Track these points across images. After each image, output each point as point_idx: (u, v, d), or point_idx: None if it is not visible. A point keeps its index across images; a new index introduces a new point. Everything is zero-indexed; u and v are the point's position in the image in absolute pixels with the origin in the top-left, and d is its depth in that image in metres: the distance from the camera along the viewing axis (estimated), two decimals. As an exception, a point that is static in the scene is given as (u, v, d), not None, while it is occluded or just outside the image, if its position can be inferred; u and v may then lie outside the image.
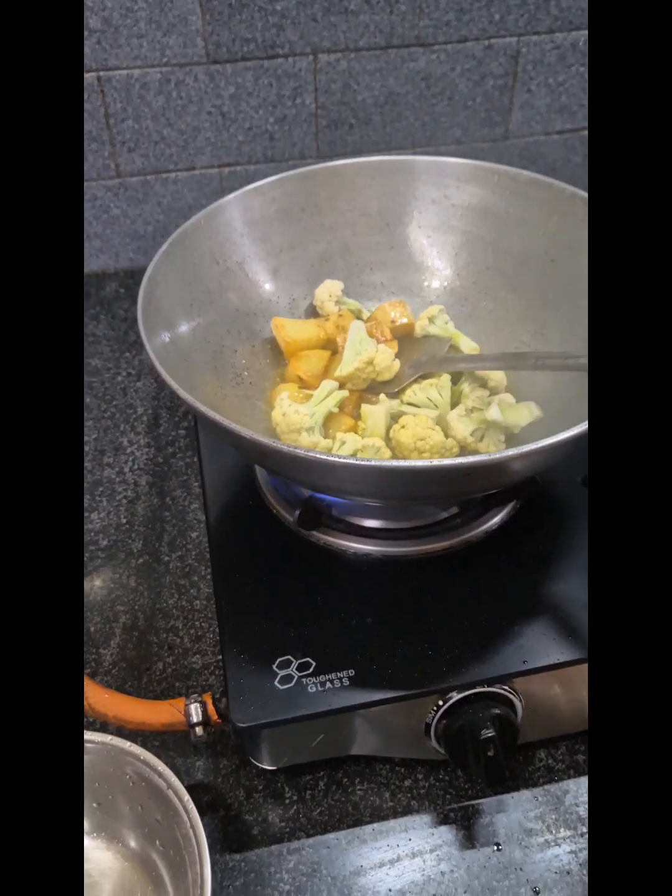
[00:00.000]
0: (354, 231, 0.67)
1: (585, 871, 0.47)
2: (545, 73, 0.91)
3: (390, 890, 0.47)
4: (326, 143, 0.91)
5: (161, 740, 0.53)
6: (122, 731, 0.49)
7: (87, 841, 0.47)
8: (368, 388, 0.59)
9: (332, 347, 0.62)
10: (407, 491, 0.47)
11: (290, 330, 0.61)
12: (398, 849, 0.49)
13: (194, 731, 0.47)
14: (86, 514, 0.68)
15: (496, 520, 0.55)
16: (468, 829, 0.49)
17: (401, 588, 0.52)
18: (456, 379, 0.59)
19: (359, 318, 0.64)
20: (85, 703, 0.47)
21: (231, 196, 0.62)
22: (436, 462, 0.40)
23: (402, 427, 0.53)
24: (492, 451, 0.54)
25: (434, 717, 0.48)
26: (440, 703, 0.47)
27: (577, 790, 0.51)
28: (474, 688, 0.47)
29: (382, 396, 0.57)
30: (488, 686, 0.47)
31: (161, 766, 0.43)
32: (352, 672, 0.47)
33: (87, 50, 0.80)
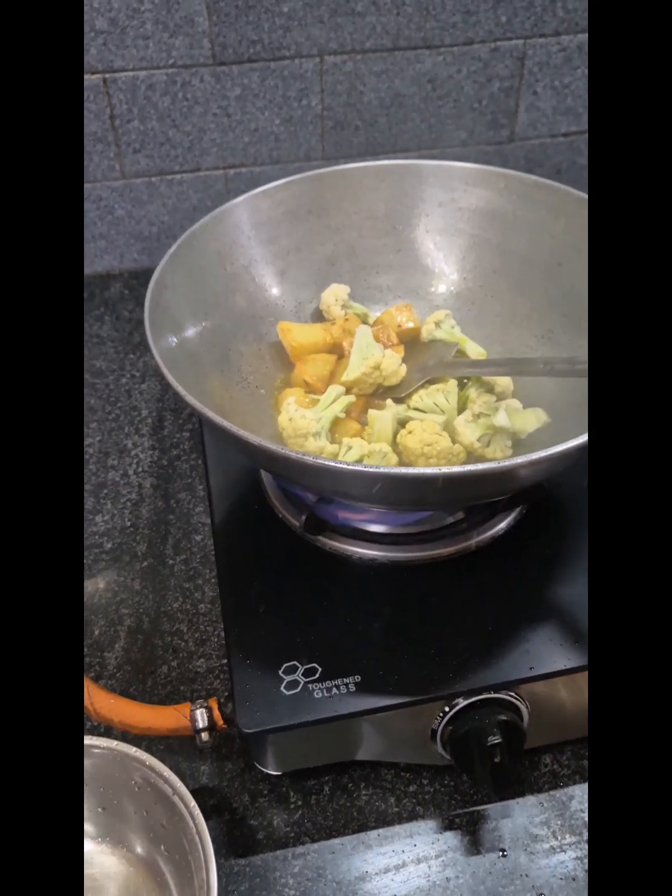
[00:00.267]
0: (361, 234, 0.67)
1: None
2: (551, 76, 0.91)
3: (395, 895, 0.47)
4: (332, 145, 0.91)
5: (166, 744, 0.53)
6: (127, 735, 0.49)
7: (92, 845, 0.47)
8: (375, 393, 0.59)
9: (338, 352, 0.62)
10: (413, 497, 0.46)
11: (297, 334, 0.61)
12: (403, 854, 0.49)
13: (200, 736, 0.46)
14: (90, 517, 0.68)
15: (503, 525, 0.55)
16: (473, 835, 0.49)
17: (407, 593, 0.52)
18: (462, 384, 0.59)
19: (365, 322, 0.64)
20: (90, 707, 0.47)
21: (239, 199, 0.62)
22: (444, 469, 0.40)
23: (410, 432, 0.53)
24: (499, 456, 0.54)
25: (440, 723, 0.48)
26: (446, 709, 0.47)
27: (582, 796, 0.51)
28: (481, 694, 0.47)
29: (389, 401, 0.57)
30: (495, 692, 0.47)
31: (166, 771, 0.43)
32: (358, 678, 0.47)
33: (93, 51, 0.80)
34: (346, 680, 0.47)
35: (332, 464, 0.41)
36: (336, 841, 0.49)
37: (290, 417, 0.53)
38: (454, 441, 0.54)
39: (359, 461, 0.52)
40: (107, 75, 0.82)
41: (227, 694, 0.53)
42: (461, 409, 0.57)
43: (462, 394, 0.58)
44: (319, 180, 0.65)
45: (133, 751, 0.44)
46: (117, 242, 0.94)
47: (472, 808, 0.50)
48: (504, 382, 0.58)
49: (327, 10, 0.82)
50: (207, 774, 0.52)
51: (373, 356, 0.57)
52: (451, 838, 0.49)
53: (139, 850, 0.46)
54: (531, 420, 0.53)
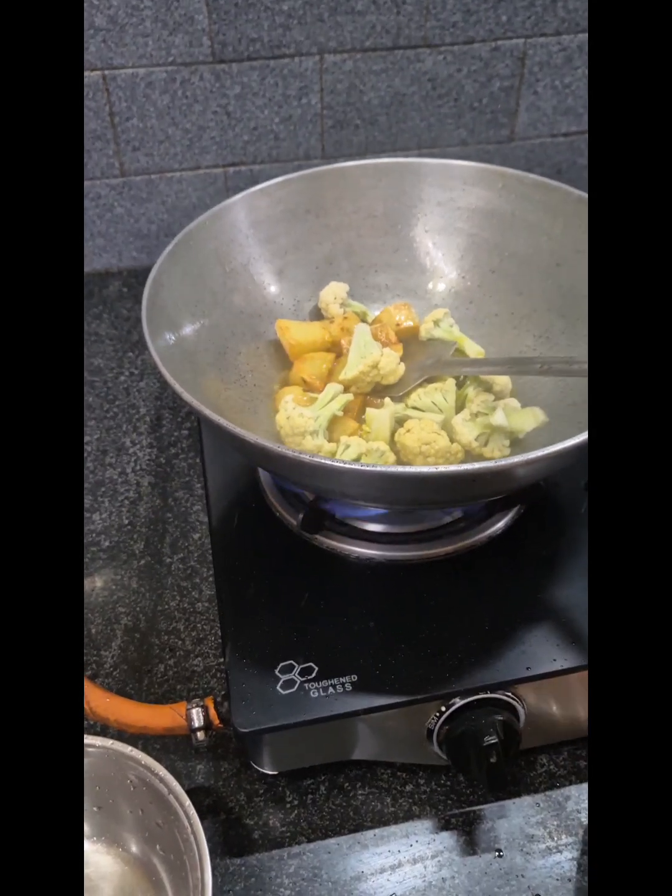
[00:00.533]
0: (360, 233, 0.67)
1: (587, 878, 0.47)
2: (552, 75, 0.90)
3: (391, 895, 0.47)
4: (332, 144, 0.91)
5: (162, 743, 0.53)
6: (123, 734, 0.49)
7: (87, 844, 0.47)
8: (373, 392, 0.59)
9: (336, 350, 0.62)
10: (411, 496, 0.46)
11: (295, 332, 0.61)
12: (399, 854, 0.48)
13: (195, 735, 0.46)
14: (87, 515, 0.67)
15: (500, 524, 0.55)
16: (469, 835, 0.49)
17: (404, 592, 0.52)
18: (461, 383, 0.59)
19: (364, 320, 0.64)
20: (86, 706, 0.47)
21: (236, 197, 0.62)
22: (441, 468, 0.40)
23: (408, 431, 0.53)
24: (496, 455, 0.54)
25: (436, 723, 0.47)
26: (443, 708, 0.47)
27: (578, 796, 0.51)
28: (477, 694, 0.47)
29: (387, 400, 0.57)
30: (491, 692, 0.47)
31: (162, 771, 0.43)
32: (354, 677, 0.47)
33: (92, 48, 0.80)
34: (342, 679, 0.47)
35: (329, 462, 0.41)
36: (332, 841, 0.49)
37: (287, 416, 0.53)
38: (452, 440, 0.54)
39: (356, 460, 0.52)
40: (106, 72, 0.81)
41: (223, 693, 0.53)
42: (459, 408, 0.57)
43: (460, 393, 0.58)
44: (318, 179, 0.65)
45: (129, 750, 0.44)
46: (116, 240, 0.94)
47: (468, 809, 0.50)
48: (502, 382, 0.58)
49: (327, 9, 0.81)
50: (204, 774, 0.51)
51: (371, 355, 0.57)
52: (448, 838, 0.49)
53: (134, 849, 0.46)
54: (529, 419, 0.53)
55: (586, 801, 0.50)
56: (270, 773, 0.51)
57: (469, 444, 0.54)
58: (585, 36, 0.89)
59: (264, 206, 0.64)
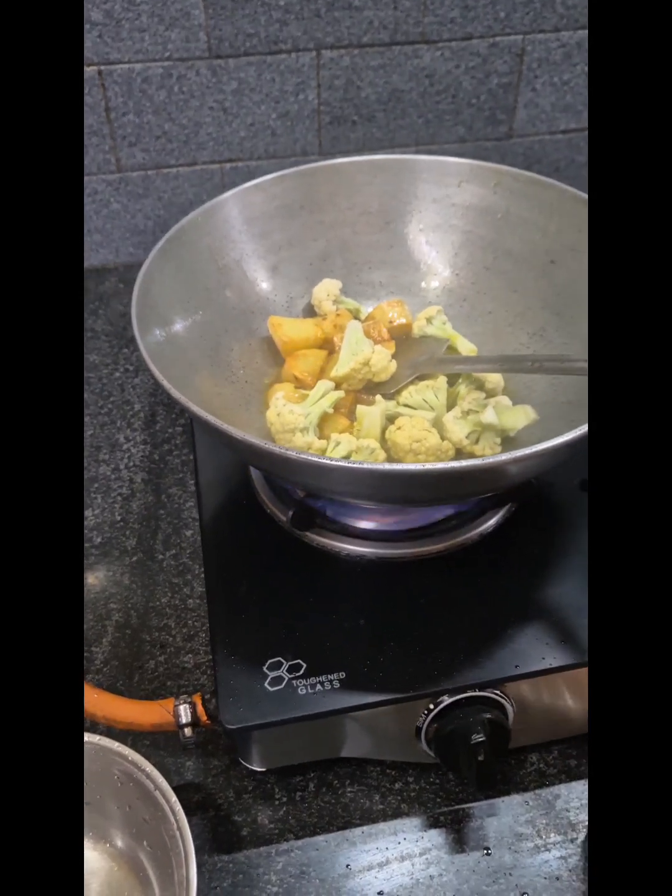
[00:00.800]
0: (354, 229, 0.67)
1: (575, 877, 0.47)
2: (550, 72, 0.90)
3: (379, 893, 0.47)
4: (329, 140, 0.91)
5: (152, 739, 0.53)
6: (112, 730, 0.49)
7: (75, 840, 0.47)
8: (364, 389, 0.59)
9: (329, 347, 0.62)
10: (401, 494, 0.46)
11: (288, 329, 0.61)
12: (387, 852, 0.48)
13: (183, 732, 0.46)
14: (81, 511, 0.67)
15: (491, 522, 0.55)
16: (458, 833, 0.49)
17: (394, 590, 0.52)
18: (453, 380, 0.59)
19: (357, 317, 0.64)
20: (74, 702, 0.47)
21: (229, 193, 0.62)
22: (428, 466, 0.40)
23: (399, 428, 0.53)
24: (487, 454, 0.54)
25: (425, 721, 0.47)
26: (431, 706, 0.47)
27: (568, 795, 0.51)
28: (465, 692, 0.47)
29: (378, 397, 0.57)
30: (480, 690, 0.47)
31: (148, 767, 0.43)
32: (343, 674, 0.47)
33: (88, 43, 0.80)
34: (330, 677, 0.47)
35: (315, 459, 0.41)
36: (320, 838, 0.49)
37: (278, 412, 0.53)
38: (443, 438, 0.54)
39: (346, 457, 0.52)
40: (102, 67, 0.81)
41: (212, 690, 0.53)
42: (450, 405, 0.57)
43: (452, 390, 0.58)
44: (312, 175, 0.65)
45: (116, 746, 0.44)
46: (113, 236, 0.93)
47: (457, 807, 0.50)
48: (494, 379, 0.58)
49: (324, 4, 0.81)
50: (193, 770, 0.51)
51: (362, 352, 0.57)
52: (436, 836, 0.49)
53: (121, 845, 0.46)
54: (520, 417, 0.53)
55: (576, 800, 0.50)
56: (259, 769, 0.51)
57: (460, 442, 0.53)
58: (584, 32, 0.88)
59: (258, 201, 0.64)
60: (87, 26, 0.79)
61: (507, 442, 0.55)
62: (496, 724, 0.46)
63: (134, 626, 0.59)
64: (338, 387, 0.57)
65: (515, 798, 0.51)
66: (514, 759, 0.52)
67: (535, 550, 0.54)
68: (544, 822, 0.49)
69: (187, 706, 0.47)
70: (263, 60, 0.84)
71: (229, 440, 0.43)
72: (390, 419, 0.56)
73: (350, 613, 0.50)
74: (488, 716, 0.46)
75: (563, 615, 0.50)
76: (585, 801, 0.50)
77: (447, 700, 0.46)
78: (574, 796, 0.50)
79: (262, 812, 0.50)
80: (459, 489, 0.47)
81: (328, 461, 0.41)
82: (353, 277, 0.67)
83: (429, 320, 0.62)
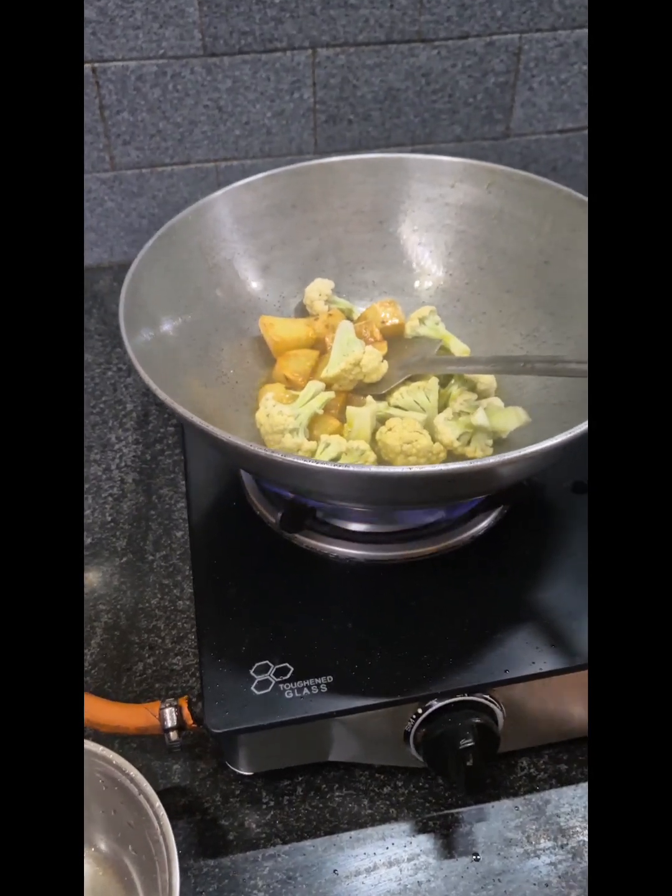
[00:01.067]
0: (347, 229, 0.67)
1: (564, 884, 0.47)
2: (547, 71, 0.89)
3: (366, 898, 0.46)
4: (324, 139, 0.90)
5: (139, 742, 0.52)
6: (99, 733, 0.49)
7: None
8: (356, 390, 0.58)
9: (320, 347, 0.61)
10: (389, 497, 0.46)
11: (279, 329, 0.60)
12: (375, 857, 0.48)
13: (169, 735, 0.46)
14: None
15: (483, 524, 0.55)
16: (447, 838, 0.49)
17: (383, 593, 0.51)
18: (444, 382, 0.58)
19: (349, 317, 0.63)
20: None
21: (220, 192, 0.62)
22: (416, 469, 0.40)
23: (389, 430, 0.52)
24: (479, 455, 0.53)
25: (413, 725, 0.47)
26: (420, 711, 0.46)
27: (558, 800, 0.50)
28: (455, 696, 0.46)
29: (369, 399, 0.56)
30: (469, 695, 0.46)
31: (132, 771, 0.43)
32: (330, 678, 0.46)
33: (82, 41, 0.79)
34: (317, 680, 0.46)
35: (303, 461, 0.40)
36: (308, 843, 0.48)
37: (267, 413, 0.53)
38: (434, 439, 0.53)
39: (336, 459, 0.52)
40: (96, 65, 0.81)
41: (199, 692, 0.52)
42: (442, 407, 0.56)
43: (443, 392, 0.57)
44: (305, 173, 0.65)
45: (100, 749, 0.44)
46: (107, 235, 0.93)
47: (446, 812, 0.50)
48: (487, 380, 0.58)
49: (320, 2, 0.81)
50: (179, 774, 0.51)
51: (353, 352, 0.56)
52: (425, 841, 0.49)
53: (105, 849, 0.46)
54: (512, 419, 0.52)
55: (567, 806, 0.50)
56: (246, 773, 0.50)
57: (451, 444, 0.53)
58: (582, 32, 0.88)
59: (249, 201, 0.63)
60: (80, 24, 0.78)
61: (499, 443, 0.55)
62: (485, 729, 0.46)
63: (123, 627, 0.59)
64: (328, 388, 0.57)
65: (505, 803, 0.50)
66: (504, 763, 0.52)
67: (526, 553, 0.53)
68: (534, 827, 0.49)
69: (173, 709, 0.46)
70: (258, 59, 0.83)
71: (215, 442, 0.43)
72: (381, 420, 0.55)
73: (339, 616, 0.50)
74: (477, 720, 0.46)
75: (554, 619, 0.50)
76: (576, 807, 0.50)
77: (436, 704, 0.46)
78: (564, 801, 0.50)
79: (249, 816, 0.49)
80: (449, 491, 0.46)
81: (315, 464, 0.40)
82: (346, 277, 0.67)
83: (422, 321, 0.61)
